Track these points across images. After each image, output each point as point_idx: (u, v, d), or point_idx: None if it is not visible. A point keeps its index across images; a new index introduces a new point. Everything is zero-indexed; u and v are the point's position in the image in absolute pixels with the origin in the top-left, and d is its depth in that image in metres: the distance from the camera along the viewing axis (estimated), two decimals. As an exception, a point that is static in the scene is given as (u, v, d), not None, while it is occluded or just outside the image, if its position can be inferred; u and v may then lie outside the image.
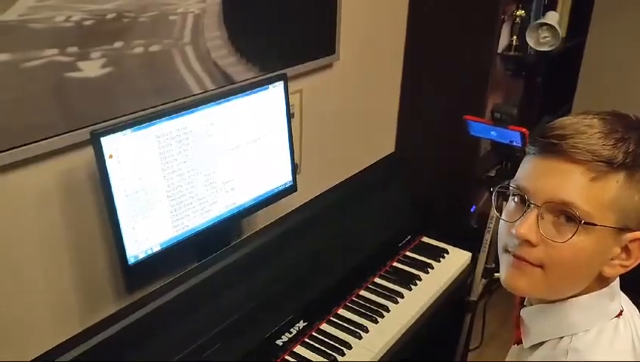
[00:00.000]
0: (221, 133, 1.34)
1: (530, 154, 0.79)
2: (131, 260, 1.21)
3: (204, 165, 1.31)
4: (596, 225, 0.72)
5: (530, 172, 0.78)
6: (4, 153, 1.08)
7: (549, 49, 2.08)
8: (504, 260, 0.80)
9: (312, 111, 1.82)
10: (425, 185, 1.98)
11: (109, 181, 1.13)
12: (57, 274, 1.25)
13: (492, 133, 1.52)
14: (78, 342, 1.08)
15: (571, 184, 0.73)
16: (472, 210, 2.10)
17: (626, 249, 0.75)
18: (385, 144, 2.26)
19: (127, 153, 1.16)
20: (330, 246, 1.56)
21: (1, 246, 1.14)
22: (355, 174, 1.87)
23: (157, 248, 1.25)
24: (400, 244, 1.70)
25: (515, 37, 2.35)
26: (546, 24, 2.04)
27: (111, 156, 1.13)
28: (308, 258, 1.50)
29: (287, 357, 1.28)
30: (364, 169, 1.85)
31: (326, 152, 1.96)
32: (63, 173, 1.20)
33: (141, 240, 1.22)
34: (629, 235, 0.74)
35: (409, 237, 1.73)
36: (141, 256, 1.22)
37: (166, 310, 1.20)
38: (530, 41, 2.08)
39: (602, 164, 0.72)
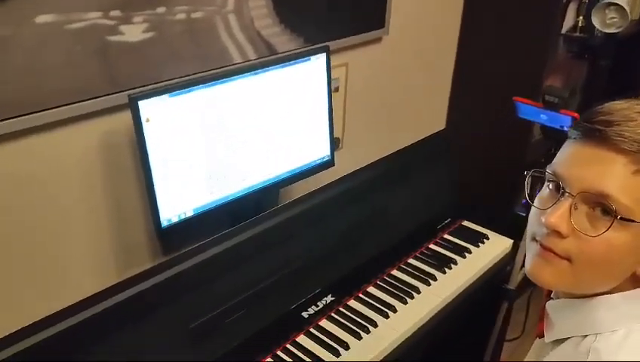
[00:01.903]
0: (260, 103, 1.34)
1: (571, 139, 0.73)
2: (164, 223, 1.23)
3: (242, 134, 1.32)
4: (634, 221, 0.67)
5: (569, 158, 0.73)
6: (49, 111, 1.12)
7: (616, 31, 1.95)
8: (531, 249, 0.76)
9: (357, 86, 1.79)
10: (472, 166, 1.92)
11: (145, 145, 1.16)
12: (97, 229, 1.30)
13: (542, 116, 1.45)
14: (108, 295, 1.11)
15: (612, 175, 0.68)
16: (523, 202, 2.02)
17: None
18: (434, 122, 2.20)
19: (165, 118, 1.17)
20: (367, 222, 1.54)
21: (48, 198, 1.19)
22: (398, 150, 1.83)
23: (190, 213, 1.27)
24: (439, 226, 1.66)
25: (581, 17, 2.22)
26: (614, 4, 1.91)
27: (148, 120, 1.15)
28: (342, 232, 1.49)
29: (311, 330, 1.28)
30: (409, 145, 1.81)
31: (370, 128, 1.93)
32: (104, 135, 1.24)
33: (175, 204, 1.24)
34: None
35: (449, 219, 1.69)
36: (174, 219, 1.25)
37: (195, 272, 1.22)
38: (596, 21, 1.95)
39: None
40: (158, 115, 1.16)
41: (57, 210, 1.22)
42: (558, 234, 0.70)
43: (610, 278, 0.73)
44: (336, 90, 1.72)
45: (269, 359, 1.20)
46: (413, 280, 1.45)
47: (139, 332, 1.12)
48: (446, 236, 1.64)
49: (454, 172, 1.81)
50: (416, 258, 1.54)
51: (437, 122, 2.20)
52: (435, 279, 1.46)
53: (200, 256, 1.23)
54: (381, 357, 1.23)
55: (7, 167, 1.12)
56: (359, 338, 1.26)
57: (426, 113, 2.16)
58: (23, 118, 1.09)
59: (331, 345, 1.23)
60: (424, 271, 1.49)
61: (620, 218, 0.67)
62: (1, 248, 1.16)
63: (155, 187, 1.19)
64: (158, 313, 1.14)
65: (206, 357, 1.13)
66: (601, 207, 0.69)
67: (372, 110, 1.91)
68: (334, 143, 1.57)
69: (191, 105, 1.21)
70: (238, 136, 1.31)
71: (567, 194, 0.70)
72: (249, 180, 1.36)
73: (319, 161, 1.52)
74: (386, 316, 1.33)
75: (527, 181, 0.82)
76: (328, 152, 1.53)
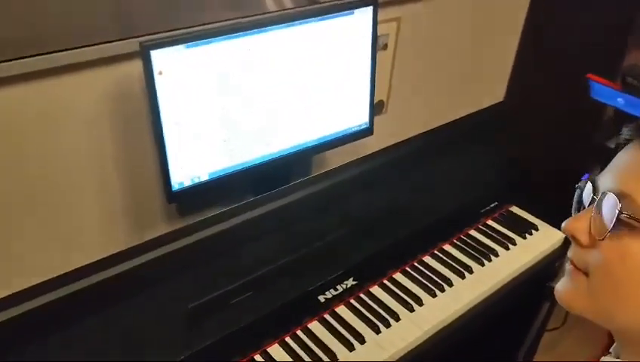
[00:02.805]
0: (292, 60, 1.19)
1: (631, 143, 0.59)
2: (175, 186, 1.13)
3: (268, 94, 1.18)
4: None
5: (615, 164, 0.59)
6: (58, 54, 1.01)
7: None
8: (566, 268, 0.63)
9: (408, 45, 1.60)
10: (529, 147, 1.72)
11: (156, 100, 1.04)
12: (107, 184, 1.21)
13: (618, 99, 1.24)
14: (118, 260, 1.05)
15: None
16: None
17: None
18: (492, 93, 1.99)
19: (180, 71, 1.05)
20: (402, 200, 1.40)
21: (56, 149, 1.10)
22: (449, 122, 1.66)
23: (205, 177, 1.16)
24: (482, 210, 1.50)
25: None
26: None
27: (161, 73, 1.03)
28: (374, 210, 1.36)
29: (326, 316, 1.17)
30: (461, 117, 1.63)
31: (419, 93, 1.74)
32: (116, 84, 1.12)
33: (188, 166, 1.13)
34: None
35: (495, 203, 1.52)
36: (187, 183, 1.14)
37: (211, 242, 1.13)
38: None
39: None
40: (173, 67, 1.03)
41: (65, 160, 1.13)
42: (578, 243, 0.59)
43: (633, 302, 0.57)
44: (384, 47, 1.55)
45: (275, 345, 1.10)
46: (446, 270, 1.31)
47: (138, 305, 1.05)
48: (489, 222, 1.48)
49: (508, 150, 1.63)
50: (452, 245, 1.39)
51: (495, 94, 1.99)
52: (471, 271, 1.31)
53: (214, 228, 1.15)
54: (396, 358, 1.11)
55: (13, 113, 1.03)
56: (377, 331, 1.14)
57: (484, 82, 1.95)
58: (25, 60, 0.98)
59: (345, 337, 1.12)
60: (460, 260, 1.34)
61: (631, 217, 0.53)
62: (9, 200, 1.09)
63: (166, 146, 1.08)
64: (159, 287, 1.07)
65: (202, 340, 1.04)
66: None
67: (423, 73, 1.72)
68: (375, 109, 1.41)
69: (211, 59, 1.07)
70: (264, 96, 1.17)
71: (595, 199, 0.58)
72: (274, 146, 1.23)
73: (356, 129, 1.36)
74: (411, 309, 1.20)
75: (576, 194, 0.66)
76: (367, 119, 1.38)
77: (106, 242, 1.23)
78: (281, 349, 1.09)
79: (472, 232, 1.44)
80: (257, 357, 1.07)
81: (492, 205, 1.50)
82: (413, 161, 1.50)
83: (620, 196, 0.55)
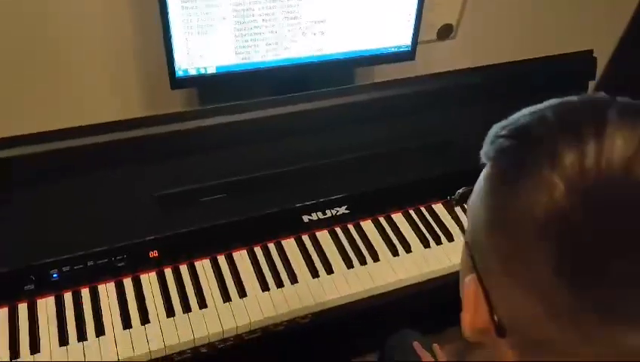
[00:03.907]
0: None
1: None
2: (179, 73, 1.11)
3: (294, -7, 1.08)
4: None
5: None
6: None
7: None
8: None
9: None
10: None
11: (162, -23, 1.00)
12: (120, 54, 1.21)
13: None
14: (110, 129, 1.05)
15: None
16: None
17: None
18: (581, 37, 1.69)
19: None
20: (435, 136, 1.27)
21: (72, 12, 1.12)
22: (523, 60, 1.45)
23: (212, 70, 1.12)
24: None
25: None
26: None
27: (169, -51, 0.97)
28: (398, 140, 1.25)
29: (303, 237, 1.13)
30: (538, 57, 1.41)
31: (497, 22, 1.53)
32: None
33: (194, 55, 1.10)
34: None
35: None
36: (192, 71, 1.12)
37: (209, 134, 1.11)
38: None
39: None
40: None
41: (81, 22, 1.14)
42: None
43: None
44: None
45: (241, 251, 1.09)
46: (452, 223, 1.20)
47: (114, 179, 1.06)
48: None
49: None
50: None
51: (584, 39, 1.69)
52: (480, 232, 1.19)
53: (215, 119, 1.11)
54: (355, 299, 1.06)
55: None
56: (350, 266, 1.09)
57: (576, 23, 1.65)
58: None
59: (314, 263, 1.08)
60: (474, 217, 1.22)
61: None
62: (26, 55, 1.13)
63: (171, 30, 1.05)
64: (140, 165, 1.07)
65: (171, 227, 1.05)
66: None
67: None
68: (440, 33, 1.25)
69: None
70: (289, -6, 1.08)
71: None
72: (291, 51, 1.15)
73: (393, 50, 1.23)
74: (395, 254, 1.13)
75: None
76: (409, 41, 1.23)
77: (116, 112, 1.25)
78: (247, 257, 1.08)
79: (502, 191, 1.29)
80: (220, 258, 1.08)
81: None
82: (466, 97, 1.34)
83: None
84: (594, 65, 1.40)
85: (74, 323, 0.95)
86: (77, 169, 1.03)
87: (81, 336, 0.93)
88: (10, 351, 0.90)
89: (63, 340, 0.92)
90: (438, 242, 1.16)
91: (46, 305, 0.97)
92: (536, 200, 0.40)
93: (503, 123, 0.47)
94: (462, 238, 1.14)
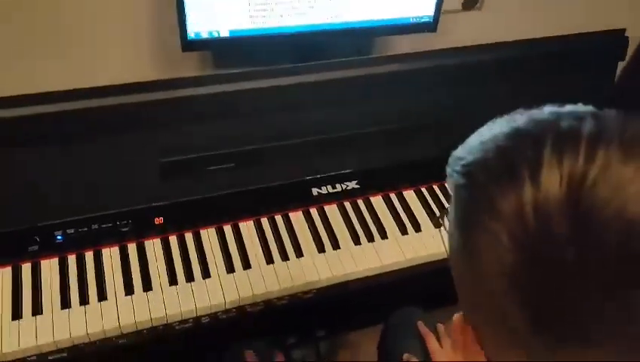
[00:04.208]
0: None
1: None
2: (191, 35, 1.07)
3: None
4: None
5: None
6: None
7: None
8: None
9: None
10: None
11: None
12: (134, 17, 1.18)
13: None
14: (122, 91, 1.02)
15: None
16: None
17: None
18: (615, 14, 1.61)
19: None
20: (453, 115, 1.23)
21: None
22: (551, 37, 1.38)
23: (225, 34, 1.09)
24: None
25: None
26: None
27: None
28: (416, 115, 1.20)
29: (311, 210, 1.11)
30: (569, 35, 1.35)
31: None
32: None
33: (207, 17, 1.06)
34: None
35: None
36: (204, 34, 1.08)
37: (222, 99, 1.07)
38: None
39: None
40: None
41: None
42: None
43: None
44: None
45: (248, 222, 1.08)
46: (465, 204, 1.17)
47: (123, 143, 1.04)
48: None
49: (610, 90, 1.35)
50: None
51: (618, 16, 1.61)
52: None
53: (230, 85, 1.07)
54: (354, 277, 1.04)
55: None
56: (357, 243, 1.07)
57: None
58: None
59: (321, 238, 1.06)
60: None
61: None
62: (30, 13, 1.10)
63: (184, -10, 1.01)
64: (151, 131, 1.05)
65: (174, 196, 1.03)
66: None
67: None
68: (466, 2, 1.19)
69: None
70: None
71: None
72: (308, 17, 1.11)
73: (414, 20, 1.18)
74: (404, 232, 1.10)
75: None
76: (431, 11, 1.18)
77: (129, 73, 1.22)
78: (253, 228, 1.07)
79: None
80: (226, 228, 1.06)
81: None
82: (492, 73, 1.28)
83: None
84: (625, 46, 1.34)
85: (77, 286, 0.95)
86: (86, 131, 1.01)
87: (83, 300, 0.93)
88: (12, 312, 0.90)
89: (65, 303, 0.92)
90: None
91: (50, 267, 0.97)
92: (487, 257, 0.40)
93: (459, 152, 0.46)
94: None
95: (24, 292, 0.93)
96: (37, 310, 0.91)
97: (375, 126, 1.15)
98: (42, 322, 0.90)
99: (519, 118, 0.44)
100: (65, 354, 0.89)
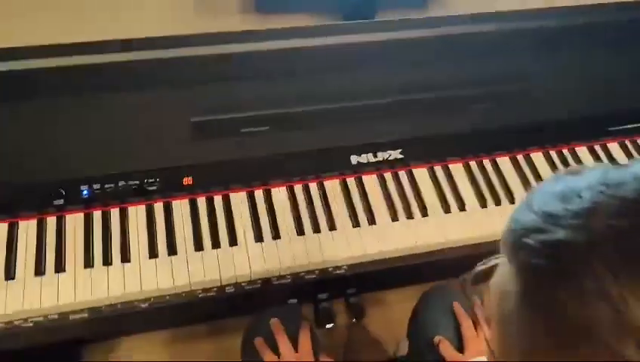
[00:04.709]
0: None
1: None
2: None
3: None
4: None
5: None
6: None
7: None
8: None
9: None
10: None
11: None
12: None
13: None
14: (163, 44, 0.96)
15: None
16: None
17: None
18: None
19: None
20: (509, 85, 1.11)
21: None
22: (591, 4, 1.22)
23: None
24: (611, 129, 1.16)
25: None
26: None
27: None
28: (467, 85, 1.10)
29: (348, 179, 1.03)
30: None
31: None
32: None
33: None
34: None
35: (629, 125, 1.17)
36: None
37: (264, 59, 1.00)
38: None
39: None
40: None
41: None
42: None
43: None
44: None
45: (281, 188, 1.01)
46: (517, 181, 1.07)
47: (156, 99, 0.98)
48: (610, 145, 1.15)
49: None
50: (546, 156, 1.11)
51: None
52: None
53: (269, 43, 0.99)
54: (396, 255, 0.97)
55: None
56: (394, 219, 1.00)
57: None
58: None
59: (356, 211, 1.00)
60: (542, 178, 1.09)
61: None
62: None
63: None
64: (180, 88, 0.98)
65: (205, 156, 0.98)
66: None
67: None
68: None
69: None
70: None
71: None
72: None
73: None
74: (447, 210, 1.02)
75: None
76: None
77: (172, 19, 1.15)
78: (285, 193, 1.01)
79: (579, 150, 1.13)
80: (257, 192, 1.01)
81: (624, 126, 1.16)
82: (553, 41, 1.15)
83: None
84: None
85: (100, 245, 0.92)
86: (119, 85, 0.96)
87: (106, 261, 0.90)
88: (35, 267, 0.88)
89: (88, 262, 0.90)
90: (498, 203, 1.04)
91: (75, 222, 0.94)
92: None
93: (531, 220, 0.37)
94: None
95: (47, 249, 0.90)
96: (60, 267, 0.89)
97: (425, 92, 1.05)
98: (64, 280, 0.88)
99: (616, 176, 0.34)
100: (86, 315, 0.87)
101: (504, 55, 1.08)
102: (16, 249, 0.89)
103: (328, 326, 1.18)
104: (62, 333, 0.87)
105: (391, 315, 1.59)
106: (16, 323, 0.85)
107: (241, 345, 1.07)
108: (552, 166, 1.10)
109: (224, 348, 1.28)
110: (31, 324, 0.85)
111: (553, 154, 1.11)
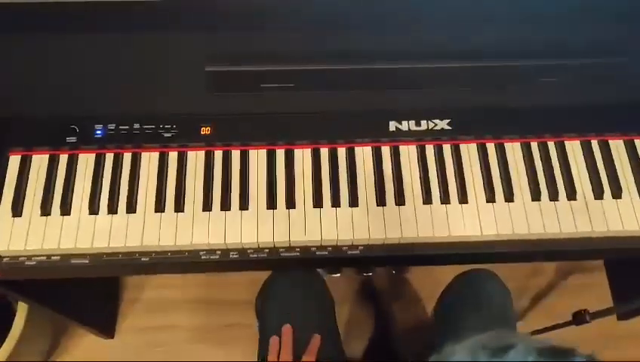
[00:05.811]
0: None
1: None
2: None
3: None
4: None
5: None
6: None
7: None
8: None
9: None
10: None
11: None
12: None
13: None
14: None
15: None
16: None
17: None
18: None
19: None
20: (592, 57, 0.91)
21: None
22: None
23: None
24: None
25: None
26: None
27: None
28: (539, 53, 0.91)
29: (382, 148, 0.91)
30: None
31: None
32: None
33: None
34: None
35: None
36: None
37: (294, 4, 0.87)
38: None
39: None
40: None
41: None
42: None
43: None
44: None
45: (305, 149, 0.91)
46: (586, 177, 0.90)
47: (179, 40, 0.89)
48: None
49: None
50: (629, 144, 0.93)
51: None
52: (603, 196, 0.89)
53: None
54: (413, 241, 0.86)
55: None
56: (428, 201, 0.88)
57: None
58: None
59: (384, 187, 0.88)
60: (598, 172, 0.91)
61: None
62: None
63: None
64: (203, 32, 0.88)
65: (226, 108, 0.89)
66: None
67: None
68: None
69: None
70: None
71: None
72: None
73: None
74: (491, 198, 0.88)
75: None
76: None
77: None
78: (309, 155, 0.90)
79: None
80: (279, 151, 0.91)
81: None
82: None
83: None
84: None
85: (108, 190, 0.88)
86: (144, 24, 0.88)
87: (112, 209, 0.86)
88: (41, 206, 0.86)
89: (94, 209, 0.86)
90: (555, 197, 0.89)
91: (86, 162, 0.90)
92: None
93: None
94: (584, 196, 0.87)
95: (56, 189, 0.88)
96: (65, 210, 0.86)
97: (488, 59, 0.88)
98: (68, 223, 0.85)
99: None
100: (87, 261, 0.85)
101: (597, 20, 0.88)
102: (26, 185, 0.88)
103: (334, 275, 1.12)
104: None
105: (435, 275, 1.49)
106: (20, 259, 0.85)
107: (256, 300, 1.05)
108: (634, 158, 0.91)
109: (259, 279, 1.25)
110: (34, 263, 0.85)
111: (638, 143, 0.93)
